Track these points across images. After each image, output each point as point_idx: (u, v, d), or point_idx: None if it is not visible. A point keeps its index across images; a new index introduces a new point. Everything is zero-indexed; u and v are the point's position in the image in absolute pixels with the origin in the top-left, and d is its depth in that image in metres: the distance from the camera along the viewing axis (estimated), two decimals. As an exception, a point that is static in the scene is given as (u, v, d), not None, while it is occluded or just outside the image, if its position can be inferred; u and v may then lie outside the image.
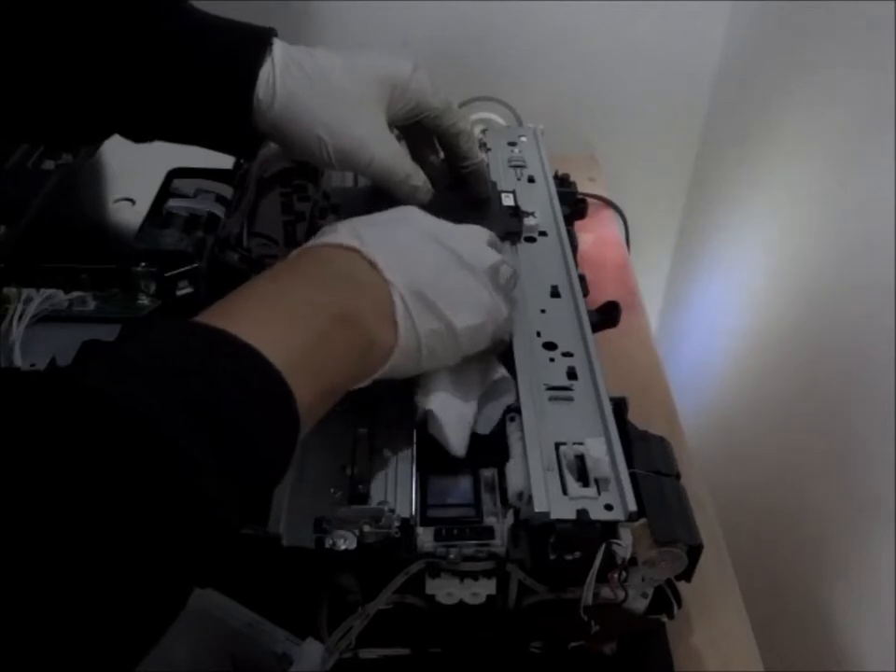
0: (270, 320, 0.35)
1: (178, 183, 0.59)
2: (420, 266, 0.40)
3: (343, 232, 0.40)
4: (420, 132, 0.54)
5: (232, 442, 0.30)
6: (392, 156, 0.50)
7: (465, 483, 0.42)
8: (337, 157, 0.49)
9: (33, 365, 0.48)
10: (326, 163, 0.49)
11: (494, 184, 0.60)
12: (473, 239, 0.44)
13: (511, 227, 0.56)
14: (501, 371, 0.45)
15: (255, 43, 0.48)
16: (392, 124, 0.52)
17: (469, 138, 0.54)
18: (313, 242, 0.41)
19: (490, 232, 0.47)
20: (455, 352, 0.41)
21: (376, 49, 0.52)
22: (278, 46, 0.48)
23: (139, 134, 0.51)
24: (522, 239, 0.56)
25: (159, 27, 0.47)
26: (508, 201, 0.58)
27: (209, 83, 0.47)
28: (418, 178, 0.51)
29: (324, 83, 0.48)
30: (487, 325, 0.42)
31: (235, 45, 0.48)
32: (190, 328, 0.32)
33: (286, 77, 0.47)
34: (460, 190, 0.57)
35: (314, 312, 0.36)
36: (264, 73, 0.47)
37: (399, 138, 0.53)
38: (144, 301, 0.52)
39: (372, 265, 0.39)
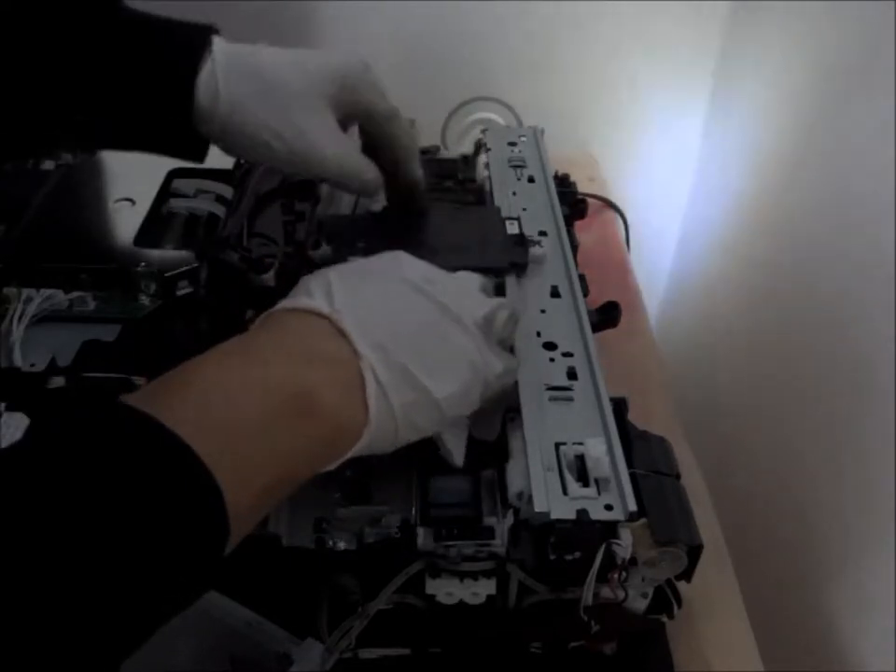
0: (207, 406, 0.31)
1: (178, 183, 0.59)
2: (399, 328, 0.37)
3: (316, 292, 0.37)
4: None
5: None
6: (344, 154, 0.47)
7: (465, 483, 0.42)
8: (287, 156, 0.46)
9: (32, 365, 0.48)
10: (276, 163, 0.47)
11: (497, 210, 0.57)
12: (464, 288, 0.42)
13: (515, 257, 0.52)
14: None
15: (194, 42, 0.45)
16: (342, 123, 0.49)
17: (407, 153, 0.51)
18: (281, 304, 0.38)
19: (482, 278, 0.45)
20: (438, 421, 0.38)
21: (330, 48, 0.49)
22: (219, 44, 0.45)
23: (86, 144, 0.49)
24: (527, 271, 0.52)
25: (95, 32, 0.44)
26: (512, 228, 0.54)
27: (148, 86, 0.45)
28: (370, 173, 0.48)
29: (269, 79, 0.46)
30: (474, 388, 0.39)
31: (174, 45, 0.45)
32: (118, 414, 0.30)
33: (228, 76, 0.45)
34: (458, 221, 0.55)
35: (263, 396, 0.33)
36: (205, 72, 0.44)
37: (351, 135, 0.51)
38: (144, 301, 0.52)
39: (343, 334, 0.36)
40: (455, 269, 0.44)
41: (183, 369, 0.33)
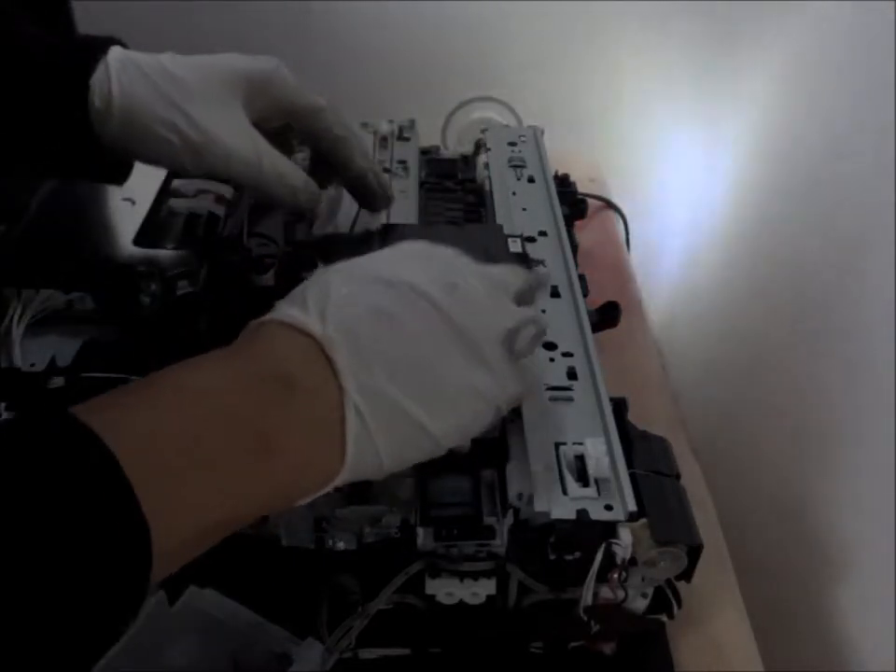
0: (158, 431, 0.29)
1: (178, 183, 0.59)
2: (400, 356, 0.33)
3: (311, 304, 0.34)
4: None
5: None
6: (255, 152, 0.44)
7: (465, 483, 0.42)
8: (188, 154, 0.44)
9: (32, 365, 0.48)
10: (179, 164, 0.45)
11: (500, 227, 0.55)
12: (494, 294, 0.37)
13: None
14: None
15: (87, 52, 0.44)
16: (262, 127, 0.46)
17: (346, 143, 0.48)
18: (274, 313, 0.35)
19: (524, 273, 0.41)
20: (433, 452, 0.35)
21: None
22: (115, 51, 0.44)
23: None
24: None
25: None
26: (515, 247, 0.51)
27: (44, 102, 0.43)
28: (296, 178, 0.46)
29: (167, 81, 0.44)
30: (481, 418, 0.36)
31: (67, 57, 0.43)
32: (59, 425, 0.27)
33: (122, 80, 0.43)
34: (459, 239, 0.51)
35: (221, 429, 0.30)
36: (97, 79, 0.43)
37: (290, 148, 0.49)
38: (144, 300, 0.52)
39: (330, 361, 0.32)
40: None
41: (149, 380, 0.31)
